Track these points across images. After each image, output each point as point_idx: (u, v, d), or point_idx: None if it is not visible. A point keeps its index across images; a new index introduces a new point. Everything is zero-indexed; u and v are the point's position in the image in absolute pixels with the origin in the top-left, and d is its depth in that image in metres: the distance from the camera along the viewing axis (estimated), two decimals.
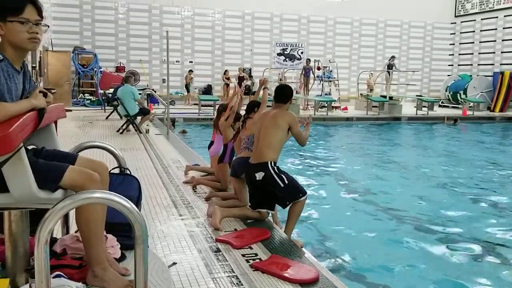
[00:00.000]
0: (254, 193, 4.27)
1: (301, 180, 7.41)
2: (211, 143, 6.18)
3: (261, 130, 4.23)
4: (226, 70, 19.10)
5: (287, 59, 20.54)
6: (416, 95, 19.54)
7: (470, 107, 18.44)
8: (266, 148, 4.14)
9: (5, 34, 2.12)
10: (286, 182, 4.07)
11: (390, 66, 19.19)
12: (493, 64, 20.52)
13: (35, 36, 2.15)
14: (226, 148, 5.38)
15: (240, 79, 18.95)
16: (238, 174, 4.63)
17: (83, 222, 2.28)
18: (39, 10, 2.18)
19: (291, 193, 4.07)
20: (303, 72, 18.55)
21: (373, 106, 17.44)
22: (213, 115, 14.13)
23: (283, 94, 4.39)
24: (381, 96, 18.43)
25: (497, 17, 20.36)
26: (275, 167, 4.12)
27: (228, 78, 18.95)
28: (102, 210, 2.34)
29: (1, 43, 2.16)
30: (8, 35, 2.12)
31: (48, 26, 2.28)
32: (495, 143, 12.83)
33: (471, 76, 20.87)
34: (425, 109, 17.90)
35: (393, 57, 19.50)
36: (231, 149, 5.31)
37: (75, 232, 2.58)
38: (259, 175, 4.09)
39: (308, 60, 18.75)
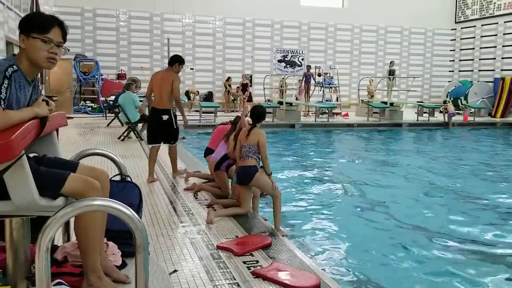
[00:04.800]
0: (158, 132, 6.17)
1: (303, 186, 7.42)
2: (208, 150, 6.16)
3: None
4: (229, 77, 19.06)
5: (287, 66, 20.60)
6: (417, 101, 19.56)
7: (471, 113, 18.47)
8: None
9: (26, 48, 2.18)
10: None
11: (391, 72, 19.21)
12: (493, 70, 20.54)
13: (53, 57, 2.22)
14: (226, 157, 5.38)
15: (244, 86, 18.97)
16: (244, 182, 4.68)
17: (81, 229, 2.28)
18: (64, 34, 2.30)
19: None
20: (304, 79, 18.59)
21: (374, 112, 17.45)
22: (214, 121, 14.16)
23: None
24: (382, 102, 18.45)
25: (497, 23, 20.41)
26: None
27: (229, 85, 18.93)
28: (101, 218, 2.34)
29: (18, 54, 2.21)
30: (29, 50, 2.18)
31: (69, 50, 2.34)
32: (496, 148, 12.82)
33: (471, 82, 20.90)
34: (426, 115, 17.92)
35: (391, 62, 19.54)
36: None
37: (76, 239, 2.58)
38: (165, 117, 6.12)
39: (309, 67, 18.80)
